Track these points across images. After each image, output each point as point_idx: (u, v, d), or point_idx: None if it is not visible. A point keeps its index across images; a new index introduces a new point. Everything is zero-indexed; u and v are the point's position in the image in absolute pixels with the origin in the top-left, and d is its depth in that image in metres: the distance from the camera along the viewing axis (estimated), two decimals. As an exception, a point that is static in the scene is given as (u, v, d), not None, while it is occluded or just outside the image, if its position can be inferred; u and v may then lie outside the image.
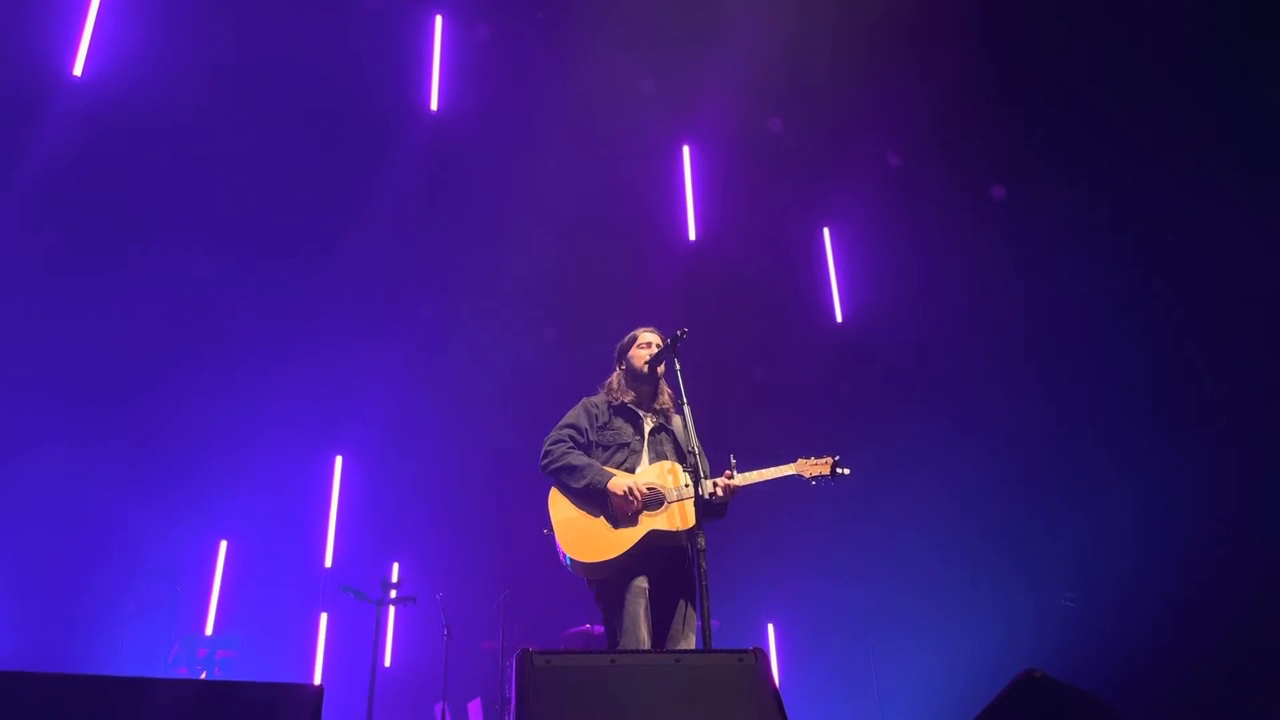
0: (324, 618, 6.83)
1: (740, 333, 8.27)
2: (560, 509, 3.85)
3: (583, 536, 3.76)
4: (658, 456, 3.99)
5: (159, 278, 6.74)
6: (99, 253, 6.69)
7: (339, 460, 7.39)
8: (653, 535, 3.72)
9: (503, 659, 6.05)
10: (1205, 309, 6.90)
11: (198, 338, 6.86)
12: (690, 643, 3.78)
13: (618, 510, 3.76)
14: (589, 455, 3.96)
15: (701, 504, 3.62)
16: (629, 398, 4.13)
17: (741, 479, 3.79)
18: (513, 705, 2.51)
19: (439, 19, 8.29)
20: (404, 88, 8.07)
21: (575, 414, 4.10)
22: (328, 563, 7.04)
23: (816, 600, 7.54)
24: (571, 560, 3.75)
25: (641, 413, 4.11)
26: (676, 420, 4.13)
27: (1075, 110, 7.71)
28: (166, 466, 6.50)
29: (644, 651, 3.45)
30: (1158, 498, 6.51)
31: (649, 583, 3.71)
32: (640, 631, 3.60)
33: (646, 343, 4.19)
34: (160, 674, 5.59)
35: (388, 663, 6.96)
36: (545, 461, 3.94)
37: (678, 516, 3.74)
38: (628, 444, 4.00)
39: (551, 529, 3.84)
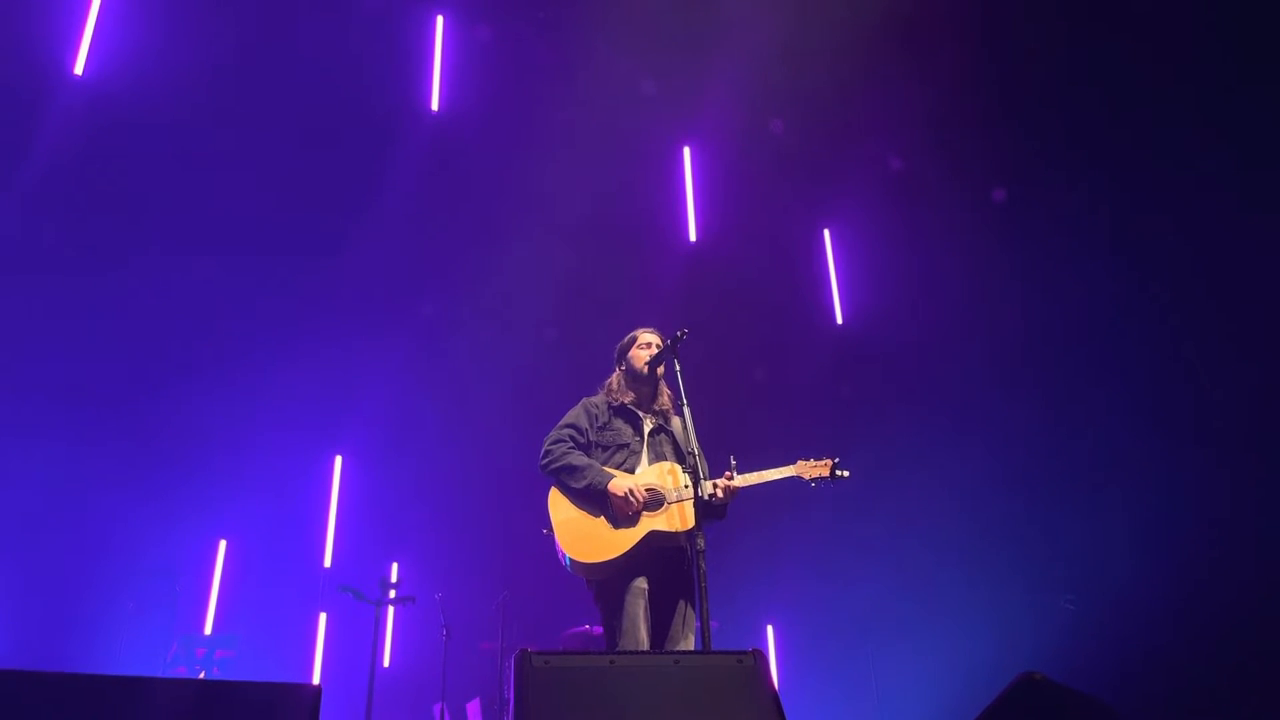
0: (323, 618, 6.82)
1: (740, 334, 8.27)
2: (560, 509, 3.85)
3: (582, 537, 3.76)
4: (657, 457, 3.99)
5: (159, 277, 6.73)
6: (99, 252, 6.68)
7: (339, 460, 7.39)
8: (652, 536, 3.72)
9: (502, 659, 6.05)
10: (1204, 311, 6.89)
11: (198, 337, 6.85)
12: (689, 644, 3.78)
13: (618, 511, 3.76)
14: (588, 456, 3.96)
15: (701, 505, 3.62)
16: (629, 398, 4.13)
17: (741, 480, 3.79)
18: (511, 706, 2.51)
19: (440, 19, 8.29)
20: (405, 88, 8.07)
21: (575, 414, 4.10)
22: (327, 562, 7.04)
23: (816, 602, 7.54)
24: (571, 561, 3.76)
25: (641, 413, 4.11)
26: (676, 421, 4.13)
27: (1075, 113, 7.71)
28: (166, 466, 6.49)
29: (643, 652, 3.45)
30: (1156, 499, 6.51)
31: (648, 583, 3.71)
32: (639, 632, 3.60)
33: (646, 343, 4.19)
34: (159, 673, 5.59)
35: (386, 663, 6.95)
36: (545, 461, 3.94)
37: (677, 517, 3.74)
38: (627, 445, 4.00)
39: (551, 529, 3.84)
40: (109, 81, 6.85)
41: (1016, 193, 7.94)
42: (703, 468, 3.69)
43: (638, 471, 3.91)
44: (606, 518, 3.78)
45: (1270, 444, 6.34)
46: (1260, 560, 6.08)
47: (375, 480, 7.40)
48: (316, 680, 6.55)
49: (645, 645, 3.59)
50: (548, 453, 3.95)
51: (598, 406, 4.13)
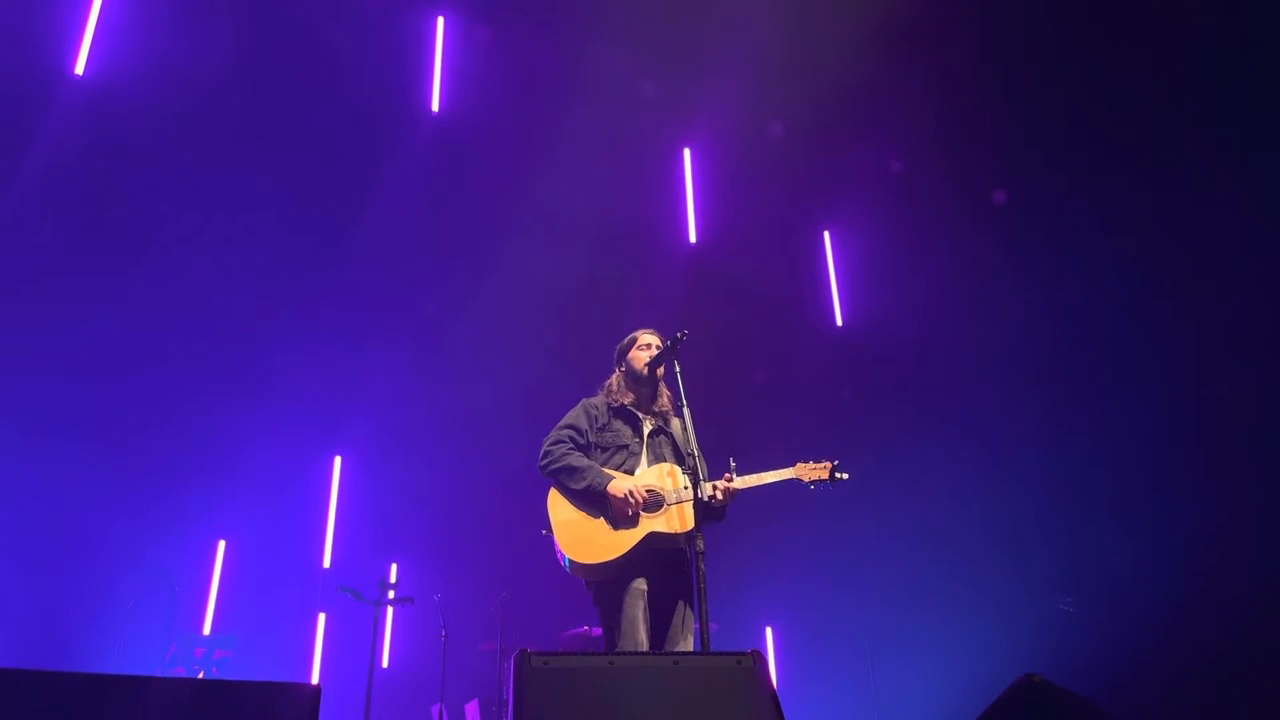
0: (322, 618, 6.82)
1: (740, 335, 8.26)
2: (559, 510, 3.85)
3: (582, 538, 3.75)
4: (656, 459, 3.99)
5: (159, 277, 6.73)
6: (99, 252, 6.68)
7: (338, 460, 7.38)
8: (652, 537, 3.72)
9: (501, 660, 6.05)
10: (1205, 312, 6.90)
11: (197, 337, 6.85)
12: (689, 645, 3.77)
13: (617, 512, 3.76)
14: (588, 457, 3.96)
15: (700, 507, 3.62)
16: (628, 399, 4.12)
17: (740, 482, 3.79)
18: (510, 706, 2.51)
19: (441, 20, 8.30)
20: (406, 88, 8.07)
21: (575, 415, 4.10)
22: (326, 563, 7.03)
23: (815, 604, 7.54)
24: (570, 561, 3.75)
25: (641, 415, 4.11)
26: (675, 423, 4.13)
27: (1076, 115, 7.72)
28: (165, 466, 6.48)
29: (642, 653, 3.44)
30: (1155, 501, 6.52)
31: (648, 585, 3.71)
32: (639, 633, 3.60)
33: (646, 344, 4.19)
34: (157, 673, 5.58)
35: (385, 663, 6.95)
36: (545, 462, 3.94)
37: (677, 519, 3.74)
38: (626, 446, 4.00)
39: (550, 530, 3.83)
40: (109, 81, 6.85)
41: (1016, 194, 7.95)
42: (702, 469, 3.68)
43: (637, 473, 3.91)
44: (606, 519, 3.78)
45: (1269, 445, 6.34)
46: (1259, 562, 6.08)
47: (374, 481, 7.40)
48: (315, 680, 6.55)
49: (644, 646, 3.59)
50: (547, 454, 3.95)
51: (597, 407, 4.13)
